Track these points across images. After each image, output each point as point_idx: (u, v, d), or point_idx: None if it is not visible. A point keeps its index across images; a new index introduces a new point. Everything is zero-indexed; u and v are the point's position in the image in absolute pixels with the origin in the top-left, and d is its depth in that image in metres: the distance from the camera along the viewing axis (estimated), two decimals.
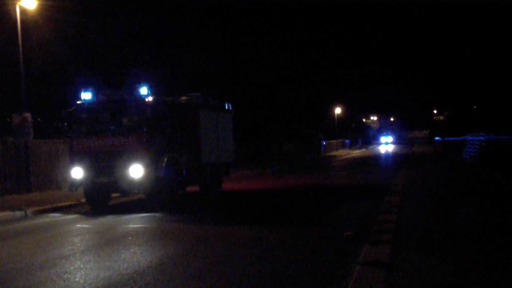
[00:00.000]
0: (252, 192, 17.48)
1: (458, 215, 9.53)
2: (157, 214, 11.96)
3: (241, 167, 30.22)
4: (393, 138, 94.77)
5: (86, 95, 13.25)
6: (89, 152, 12.72)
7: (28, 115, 18.42)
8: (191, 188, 15.92)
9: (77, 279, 6.34)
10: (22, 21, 18.59)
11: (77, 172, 12.77)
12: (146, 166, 12.37)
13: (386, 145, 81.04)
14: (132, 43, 35.28)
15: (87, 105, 13.25)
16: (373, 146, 78.16)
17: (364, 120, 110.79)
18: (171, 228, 10.05)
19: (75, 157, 12.87)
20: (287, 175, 25.38)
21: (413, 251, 6.64)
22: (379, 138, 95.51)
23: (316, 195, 15.58)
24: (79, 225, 10.89)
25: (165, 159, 12.84)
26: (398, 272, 5.69)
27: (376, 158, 38.71)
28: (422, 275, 5.55)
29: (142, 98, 12.85)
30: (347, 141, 72.34)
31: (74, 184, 12.92)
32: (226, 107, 17.66)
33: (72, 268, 6.92)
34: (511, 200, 11.51)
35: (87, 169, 12.71)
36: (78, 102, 13.40)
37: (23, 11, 19.03)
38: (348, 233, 8.64)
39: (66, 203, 14.04)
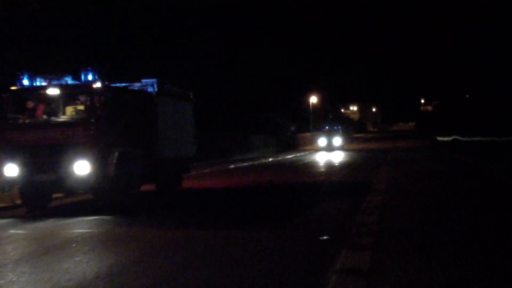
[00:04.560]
0: (216, 191, 17.47)
1: (449, 215, 9.72)
2: (106, 217, 11.85)
3: (204, 163, 30.14)
4: (342, 139, 49.01)
5: (23, 80, 12.98)
6: (26, 146, 12.47)
7: None
8: (146, 187, 15.83)
9: None
10: None
11: (11, 170, 12.50)
12: (94, 162, 12.22)
13: (329, 152, 43.90)
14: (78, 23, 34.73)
15: (23, 91, 12.98)
16: (352, 139, 78.79)
17: (342, 110, 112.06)
18: (123, 233, 9.96)
19: (8, 152, 12.58)
20: (256, 171, 25.44)
21: (396, 257, 6.73)
22: (317, 138, 50.16)
23: (288, 194, 15.67)
24: (13, 231, 10.68)
25: (116, 154, 12.72)
26: (379, 281, 5.76)
27: (357, 154, 38.34)
28: (406, 284, 5.63)
29: (88, 84, 12.68)
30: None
31: (7, 184, 12.65)
32: (187, 95, 17.61)
33: (2, 282, 6.77)
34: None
35: (24, 165, 12.46)
36: (13, 88, 13.12)
37: None
38: (324, 237, 8.72)
39: None
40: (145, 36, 39.78)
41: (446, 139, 48.18)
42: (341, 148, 47.52)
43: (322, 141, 48.32)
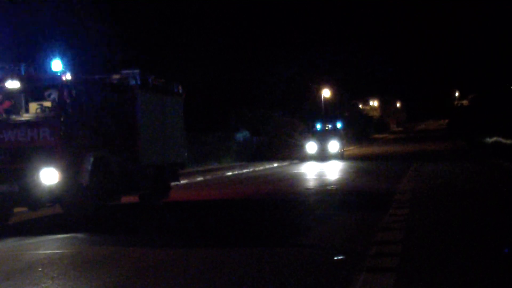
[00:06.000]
0: (209, 202, 17.49)
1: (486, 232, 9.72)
2: (79, 235, 11.84)
3: (196, 170, 30.15)
4: (341, 143, 41.69)
5: None
6: None
7: None
8: (127, 199, 15.83)
9: None
10: None
11: None
12: (64, 169, 12.21)
13: (320, 162, 37.57)
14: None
15: None
16: (371, 141, 78.57)
17: (361, 106, 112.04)
18: (99, 254, 9.95)
19: None
20: (257, 179, 25.43)
21: (426, 282, 6.72)
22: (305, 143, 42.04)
23: (295, 206, 15.67)
24: None
25: (91, 160, 12.74)
26: None
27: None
28: None
29: (57, 76, 12.68)
30: None
31: None
32: (175, 89, 17.60)
33: None
34: None
35: None
36: None
37: None
38: (338, 257, 8.71)
39: None
40: (134, 28, 40.02)
41: (488, 140, 47.40)
42: (339, 155, 40.46)
43: (311, 147, 40.91)
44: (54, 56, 12.88)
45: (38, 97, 13.31)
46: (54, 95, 12.74)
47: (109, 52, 35.92)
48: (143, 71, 15.65)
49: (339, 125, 45.00)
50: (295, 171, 29.90)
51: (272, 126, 52.02)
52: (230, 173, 29.88)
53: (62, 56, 13.00)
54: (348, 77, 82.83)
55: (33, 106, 13.25)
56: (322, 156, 39.86)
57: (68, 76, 12.69)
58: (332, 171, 28.96)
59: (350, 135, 75.36)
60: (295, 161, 39.09)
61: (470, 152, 40.27)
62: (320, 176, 26.11)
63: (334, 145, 40.41)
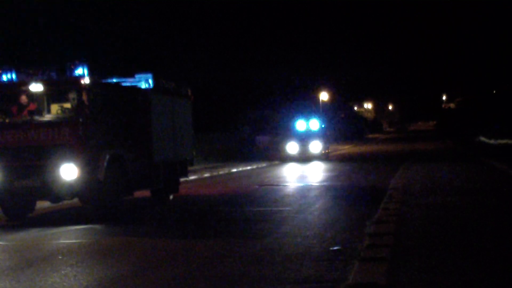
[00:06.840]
0: (217, 197, 17.49)
1: (475, 226, 9.72)
2: (96, 226, 11.90)
3: (203, 167, 30.17)
4: (323, 143, 36.80)
5: (2, 75, 12.99)
6: (6, 148, 12.50)
7: None
8: (141, 193, 15.87)
9: None
10: None
11: None
12: (83, 166, 12.24)
13: (301, 163, 33.28)
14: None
15: (2, 87, 13.00)
16: (366, 141, 78.45)
17: (356, 108, 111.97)
18: (114, 244, 10.01)
19: None
20: (260, 175, 25.43)
21: (416, 272, 6.73)
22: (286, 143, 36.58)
23: (295, 200, 15.67)
24: None
25: (107, 157, 12.75)
26: None
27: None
28: None
29: (76, 80, 12.68)
30: None
31: None
32: (185, 92, 17.61)
33: None
34: None
35: (3, 170, 12.48)
36: None
37: None
38: (334, 248, 8.74)
39: None
40: (141, 31, 40.01)
41: (474, 140, 47.32)
42: (323, 156, 36.19)
43: (292, 147, 36.07)
44: (74, 60, 12.90)
45: (59, 99, 13.35)
46: (74, 97, 12.78)
47: (115, 54, 35.79)
48: (156, 74, 15.65)
49: (318, 124, 38.56)
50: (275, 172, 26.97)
51: (272, 126, 51.88)
52: (235, 170, 29.91)
53: (82, 60, 13.01)
54: (344, 80, 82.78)
55: (54, 108, 13.29)
56: (304, 157, 35.77)
57: (86, 80, 12.71)
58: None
59: (349, 135, 75.40)
60: (274, 163, 34.96)
61: (457, 151, 40.20)
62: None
63: (316, 146, 36.08)
